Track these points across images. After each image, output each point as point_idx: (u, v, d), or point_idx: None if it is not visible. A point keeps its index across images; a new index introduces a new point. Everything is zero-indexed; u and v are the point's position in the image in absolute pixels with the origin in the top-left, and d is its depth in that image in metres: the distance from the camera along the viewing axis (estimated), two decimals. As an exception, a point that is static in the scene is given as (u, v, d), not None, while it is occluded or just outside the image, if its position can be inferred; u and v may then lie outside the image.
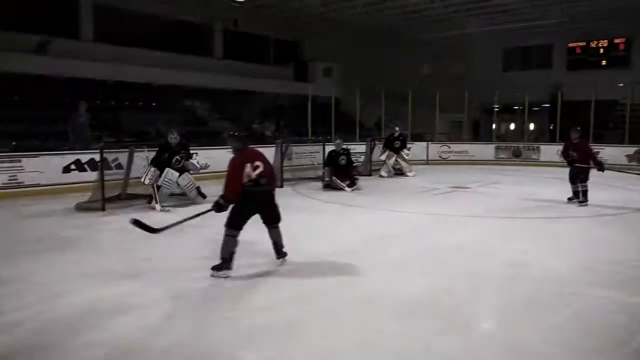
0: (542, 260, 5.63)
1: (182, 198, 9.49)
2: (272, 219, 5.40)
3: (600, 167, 9.53)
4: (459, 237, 6.85)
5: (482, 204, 9.75)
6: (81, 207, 8.66)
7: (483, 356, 3.42)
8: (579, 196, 9.41)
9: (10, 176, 9.96)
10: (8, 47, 14.54)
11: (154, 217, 8.03)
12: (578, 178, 9.38)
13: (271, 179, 5.34)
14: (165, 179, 8.89)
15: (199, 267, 5.31)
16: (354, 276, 5.09)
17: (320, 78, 23.98)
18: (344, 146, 12.06)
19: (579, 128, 9.53)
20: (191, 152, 9.97)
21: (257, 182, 5.10)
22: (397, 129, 14.81)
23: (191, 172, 9.51)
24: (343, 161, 11.60)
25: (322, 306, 4.26)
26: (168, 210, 8.68)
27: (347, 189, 11.15)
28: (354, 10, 20.29)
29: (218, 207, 5.12)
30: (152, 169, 8.86)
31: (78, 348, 3.45)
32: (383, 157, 14.41)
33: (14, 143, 11.85)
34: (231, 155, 5.29)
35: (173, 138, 9.03)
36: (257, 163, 5.15)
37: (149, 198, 8.98)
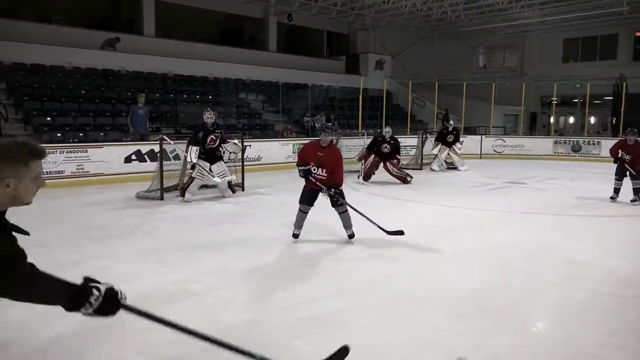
0: (603, 260, 5.45)
1: (208, 191, 9.47)
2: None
3: None
4: (514, 233, 6.73)
5: (538, 200, 9.52)
6: (141, 196, 9.02)
7: (538, 356, 3.36)
8: (618, 193, 9.07)
9: (78, 165, 10.49)
10: (78, 43, 15.34)
11: (217, 207, 8.30)
12: (625, 176, 8.98)
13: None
14: (199, 171, 8.73)
15: (254, 256, 5.47)
16: (405, 271, 5.10)
17: (372, 70, 23.87)
18: (391, 135, 11.80)
19: (636, 130, 9.06)
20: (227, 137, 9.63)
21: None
22: (451, 122, 14.65)
23: (232, 153, 9.38)
24: (386, 149, 11.44)
25: (373, 300, 4.28)
26: (189, 201, 8.71)
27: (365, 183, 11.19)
28: (407, 2, 20.07)
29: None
30: (194, 147, 8.63)
31: (138, 332, 3.58)
32: (435, 151, 14.27)
33: (81, 134, 12.45)
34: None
35: (209, 117, 8.71)
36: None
37: (180, 191, 8.92)
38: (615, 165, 9.18)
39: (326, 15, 22.21)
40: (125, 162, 11.13)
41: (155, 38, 17.99)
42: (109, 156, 10.89)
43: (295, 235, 6.11)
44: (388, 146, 11.44)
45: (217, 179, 8.84)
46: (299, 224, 6.11)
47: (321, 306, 4.11)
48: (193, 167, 8.78)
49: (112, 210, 8.04)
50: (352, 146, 14.19)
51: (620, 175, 9.10)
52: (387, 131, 11.71)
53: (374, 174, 11.64)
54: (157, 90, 16.08)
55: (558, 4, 20.05)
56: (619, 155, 8.99)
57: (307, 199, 6.05)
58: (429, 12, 21.87)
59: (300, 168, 6.05)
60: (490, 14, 22.27)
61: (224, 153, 9.09)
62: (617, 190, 9.16)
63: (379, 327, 3.75)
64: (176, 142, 9.73)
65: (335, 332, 3.65)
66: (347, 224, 6.10)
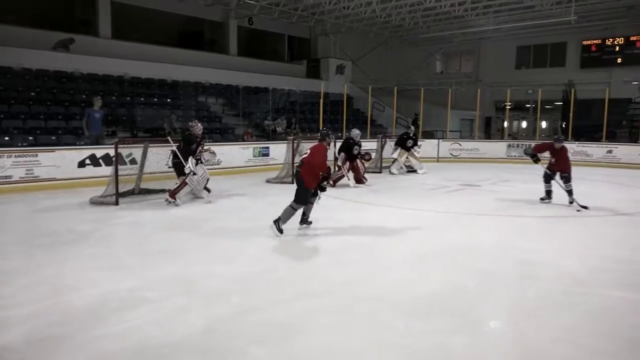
0: (554, 260, 5.63)
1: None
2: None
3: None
4: (470, 235, 6.87)
5: (493, 202, 9.74)
6: (95, 202, 8.78)
7: (493, 355, 3.44)
8: (551, 196, 9.55)
9: (27, 170, 10.12)
10: (28, 44, 14.87)
11: (174, 212, 8.17)
12: (552, 178, 9.44)
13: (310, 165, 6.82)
14: (190, 177, 8.93)
15: (211, 262, 5.42)
16: (364, 273, 5.13)
17: (333, 75, 24.04)
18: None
19: (563, 137, 9.84)
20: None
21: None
22: (412, 127, 14.88)
23: (208, 161, 9.68)
24: (356, 151, 11.67)
25: (332, 303, 4.29)
26: (210, 202, 9.01)
27: (351, 183, 11.24)
28: (366, 8, 20.29)
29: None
30: (193, 160, 8.93)
31: (91, 341, 3.52)
32: (395, 155, 14.46)
33: (30, 138, 12.06)
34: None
35: (199, 130, 9.23)
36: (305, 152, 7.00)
37: (171, 194, 8.86)
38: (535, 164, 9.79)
39: (287, 20, 22.26)
40: (79, 167, 10.81)
41: (111, 40, 17.60)
42: (61, 160, 10.56)
43: (281, 231, 6.52)
44: (359, 148, 11.72)
45: (204, 193, 9.26)
46: (287, 220, 6.60)
47: (279, 310, 4.10)
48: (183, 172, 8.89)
49: (65, 217, 7.80)
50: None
51: (547, 178, 9.49)
52: (357, 134, 11.88)
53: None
54: (113, 93, 15.71)
55: (511, 12, 20.69)
56: (541, 155, 9.64)
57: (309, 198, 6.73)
58: (388, 19, 22.19)
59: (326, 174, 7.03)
60: (447, 22, 22.78)
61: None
62: (549, 193, 9.54)
63: (338, 330, 3.76)
64: (136, 145, 9.57)
65: (293, 336, 3.65)
66: (309, 210, 6.98)
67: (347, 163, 11.64)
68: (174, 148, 9.07)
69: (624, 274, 5.17)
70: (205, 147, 9.47)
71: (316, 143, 7.10)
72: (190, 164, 8.86)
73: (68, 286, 4.59)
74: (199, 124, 9.36)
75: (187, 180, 8.88)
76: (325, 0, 19.22)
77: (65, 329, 3.70)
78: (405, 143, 14.29)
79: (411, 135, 14.46)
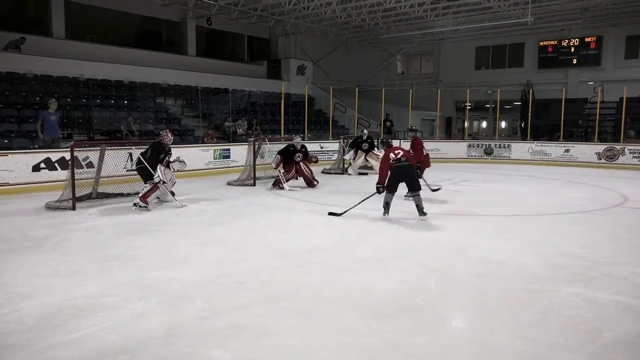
0: (513, 258, 5.73)
1: (124, 199, 9.41)
2: (414, 187, 7.89)
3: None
4: (430, 235, 6.96)
5: (453, 202, 9.89)
6: (51, 207, 8.54)
7: (452, 354, 3.47)
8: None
9: (-22, 175, 9.78)
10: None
11: (132, 217, 8.00)
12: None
13: (409, 158, 8.01)
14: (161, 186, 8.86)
15: (170, 266, 5.33)
16: (326, 275, 5.13)
17: (294, 76, 24.01)
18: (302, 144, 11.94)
19: (414, 127, 11.26)
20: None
21: (399, 160, 7.81)
22: (365, 131, 14.89)
23: (178, 171, 9.50)
24: (299, 158, 11.57)
25: (293, 306, 4.28)
26: (185, 205, 8.92)
27: (286, 187, 11.18)
28: (326, 9, 20.35)
29: (379, 190, 7.96)
30: (162, 167, 8.82)
31: (47, 349, 3.42)
32: (348, 157, 14.55)
33: (-19, 141, 11.65)
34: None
35: (167, 139, 9.14)
36: (398, 151, 8.00)
37: (142, 198, 8.67)
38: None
39: (246, 20, 22.14)
40: (33, 171, 10.49)
41: (65, 40, 17.13)
42: (14, 165, 10.22)
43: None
44: (300, 155, 11.59)
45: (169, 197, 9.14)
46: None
47: (241, 314, 4.06)
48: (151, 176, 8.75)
49: (19, 222, 7.55)
50: (274, 151, 14.17)
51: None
52: (297, 141, 11.74)
53: (296, 178, 11.68)
54: (68, 94, 15.29)
55: (470, 13, 21.08)
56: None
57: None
58: (349, 19, 22.30)
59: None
60: (407, 22, 23.06)
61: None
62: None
63: (299, 332, 3.75)
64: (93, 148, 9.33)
65: (256, 339, 3.62)
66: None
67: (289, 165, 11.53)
68: (138, 154, 8.88)
69: (578, 270, 5.31)
70: (174, 157, 9.31)
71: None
72: (159, 173, 8.72)
73: (22, 294, 4.44)
74: (170, 134, 9.26)
75: (159, 185, 8.76)
76: (285, 1, 19.18)
77: (19, 338, 3.58)
78: (360, 146, 14.33)
79: (365, 138, 14.40)
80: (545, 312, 4.17)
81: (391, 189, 7.97)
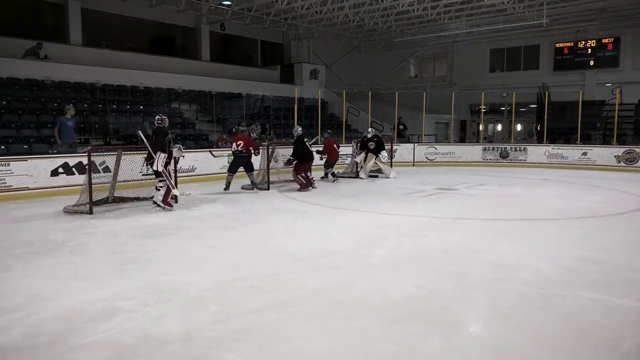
0: (530, 262, 5.67)
1: (141, 204, 9.51)
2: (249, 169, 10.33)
3: None
4: (445, 239, 6.91)
5: (469, 205, 9.85)
6: (69, 211, 8.65)
7: (468, 358, 3.45)
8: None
9: (-1, 180, 9.95)
10: (-2, 52, 14.61)
11: (148, 221, 8.07)
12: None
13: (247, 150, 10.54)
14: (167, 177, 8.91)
15: (186, 269, 5.38)
16: (340, 279, 5.13)
17: (307, 80, 24.07)
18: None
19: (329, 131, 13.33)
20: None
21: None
22: (370, 130, 14.82)
23: (176, 157, 9.55)
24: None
25: (308, 310, 4.28)
26: (189, 194, 9.29)
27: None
28: (339, 13, 20.38)
29: None
30: (161, 154, 8.79)
31: (66, 352, 3.46)
32: (358, 160, 14.53)
33: (2, 147, 11.83)
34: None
35: (167, 122, 9.20)
36: (239, 142, 10.13)
37: (163, 198, 8.89)
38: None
39: (259, 25, 22.24)
40: (52, 176, 10.63)
41: (82, 47, 17.40)
42: (33, 169, 10.37)
43: None
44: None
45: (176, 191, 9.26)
46: None
47: (257, 318, 4.07)
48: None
49: (38, 226, 7.66)
50: (287, 155, 14.23)
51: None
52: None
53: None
54: (85, 100, 15.51)
55: (484, 15, 20.96)
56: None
57: None
58: (361, 23, 22.31)
59: None
60: (420, 25, 22.99)
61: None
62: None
63: (314, 337, 3.76)
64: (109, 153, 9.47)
65: (270, 343, 3.63)
66: None
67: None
68: (148, 146, 8.94)
69: (597, 275, 5.24)
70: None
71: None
72: (157, 160, 8.69)
73: (42, 297, 4.51)
74: (165, 117, 9.31)
75: (167, 182, 8.82)
76: (298, 5, 19.25)
77: (39, 340, 3.63)
78: (367, 145, 14.27)
79: (371, 137, 14.33)
80: (564, 318, 4.10)
81: (232, 170, 11.20)
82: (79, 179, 10.22)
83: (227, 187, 11.32)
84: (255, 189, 11.44)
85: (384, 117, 23.05)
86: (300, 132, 12.11)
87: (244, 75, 21.96)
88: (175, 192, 9.07)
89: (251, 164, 11.54)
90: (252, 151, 11.37)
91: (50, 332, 3.77)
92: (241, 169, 11.42)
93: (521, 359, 3.45)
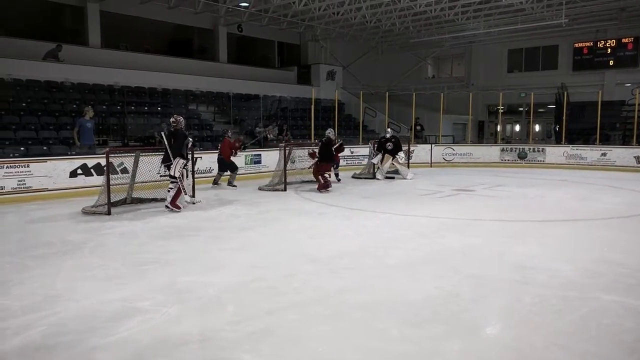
0: (549, 264, 5.62)
1: (159, 204, 9.56)
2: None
3: None
4: (464, 240, 6.85)
5: (487, 206, 9.76)
6: (88, 212, 8.74)
7: (487, 360, 3.42)
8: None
9: (19, 181, 10.07)
10: (18, 54, 14.81)
11: (166, 221, 8.12)
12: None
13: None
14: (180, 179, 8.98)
15: (203, 270, 5.39)
16: (358, 280, 5.11)
17: (324, 81, 24.08)
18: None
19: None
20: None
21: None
22: (389, 130, 14.78)
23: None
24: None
25: (326, 311, 4.27)
26: (200, 201, 9.30)
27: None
28: (356, 14, 20.35)
29: None
30: (180, 160, 8.86)
31: (86, 352, 3.49)
32: (375, 161, 14.47)
33: (22, 148, 11.99)
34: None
35: (183, 122, 9.18)
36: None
37: (172, 200, 8.95)
38: None
39: (277, 26, 22.29)
40: (70, 177, 10.76)
41: (101, 49, 17.57)
42: (53, 171, 10.51)
43: None
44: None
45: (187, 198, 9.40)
46: None
47: (274, 319, 4.07)
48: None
49: (57, 227, 7.75)
50: (304, 156, 14.25)
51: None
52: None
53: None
54: (103, 102, 15.66)
55: (502, 15, 20.77)
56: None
57: None
58: (378, 24, 22.24)
59: None
60: (438, 26, 22.85)
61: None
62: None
63: (332, 338, 3.74)
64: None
65: (288, 345, 3.63)
66: None
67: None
68: (167, 148, 8.97)
69: (616, 277, 5.17)
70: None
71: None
72: (175, 166, 8.75)
73: (61, 297, 4.55)
74: (182, 118, 9.30)
75: (180, 185, 8.89)
76: (315, 7, 19.25)
77: (60, 340, 3.67)
78: (384, 146, 14.20)
79: (388, 137, 14.26)
80: (584, 320, 4.06)
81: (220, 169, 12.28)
82: (98, 180, 10.33)
83: (214, 183, 12.55)
84: (229, 185, 12.30)
85: (401, 118, 22.96)
86: (332, 135, 12.21)
87: (261, 77, 22.02)
88: (186, 198, 9.10)
89: (225, 164, 12.35)
90: (230, 153, 12.21)
91: (69, 332, 3.80)
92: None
93: (540, 362, 3.41)
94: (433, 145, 19.59)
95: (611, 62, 22.58)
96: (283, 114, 20.71)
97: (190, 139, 9.16)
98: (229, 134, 12.89)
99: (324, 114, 21.43)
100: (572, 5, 18.78)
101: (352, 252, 6.19)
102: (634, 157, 16.97)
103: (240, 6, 19.29)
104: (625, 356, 3.48)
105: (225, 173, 12.50)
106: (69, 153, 11.94)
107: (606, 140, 19.25)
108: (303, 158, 13.36)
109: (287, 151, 12.33)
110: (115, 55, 17.79)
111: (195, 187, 10.19)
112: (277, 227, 7.85)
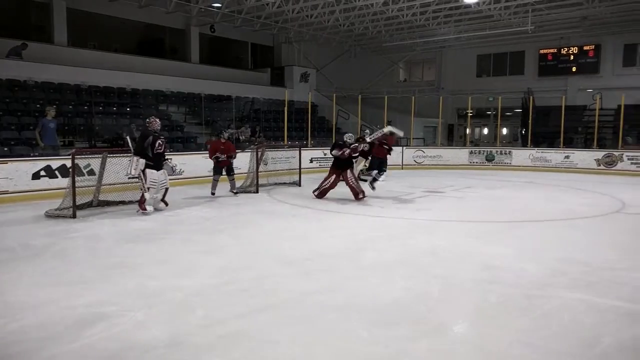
0: (515, 263, 5.73)
1: (125, 207, 9.41)
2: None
3: None
4: (433, 241, 6.91)
5: (455, 208, 9.87)
6: (51, 215, 8.49)
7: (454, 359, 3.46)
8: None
9: (-22, 183, 9.75)
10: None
11: (133, 224, 7.96)
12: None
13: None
14: (150, 180, 8.73)
15: (172, 274, 5.29)
16: (329, 283, 5.09)
17: (297, 83, 24.06)
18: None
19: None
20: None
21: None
22: (367, 131, 14.83)
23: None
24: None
25: (296, 313, 4.24)
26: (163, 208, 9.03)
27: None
28: (329, 17, 20.39)
29: None
30: (138, 159, 8.62)
31: (48, 359, 3.38)
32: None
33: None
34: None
35: (156, 124, 8.96)
36: None
37: (140, 205, 8.81)
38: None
39: (250, 28, 22.17)
40: (33, 179, 10.43)
41: (67, 47, 17.17)
42: (14, 172, 10.17)
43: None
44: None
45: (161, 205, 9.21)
46: None
47: (245, 322, 4.02)
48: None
49: (19, 231, 7.50)
50: (277, 158, 14.18)
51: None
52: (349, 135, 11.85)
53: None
54: (69, 102, 15.26)
55: (471, 21, 21.13)
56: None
57: None
58: (351, 27, 22.35)
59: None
60: (409, 30, 23.10)
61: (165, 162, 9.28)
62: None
63: (303, 340, 3.72)
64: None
65: (259, 347, 3.59)
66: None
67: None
68: (132, 149, 8.83)
69: (579, 275, 5.31)
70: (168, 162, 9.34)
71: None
72: (134, 164, 8.56)
73: (23, 304, 4.40)
74: (158, 120, 9.12)
75: (148, 185, 8.70)
76: (289, 9, 19.21)
77: (20, 348, 3.54)
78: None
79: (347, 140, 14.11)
80: (547, 318, 4.16)
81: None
82: (62, 182, 10.01)
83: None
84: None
85: (373, 121, 23.06)
86: (349, 140, 11.23)
87: (233, 78, 21.85)
88: (146, 195, 8.80)
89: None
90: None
91: (29, 340, 3.67)
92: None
93: (506, 359, 3.48)
94: (404, 147, 19.74)
95: (574, 69, 23.22)
96: (256, 115, 20.60)
97: (151, 139, 8.77)
98: (225, 135, 12.49)
99: (297, 116, 21.39)
100: (537, 13, 19.21)
101: (324, 254, 6.17)
102: (594, 159, 17.56)
103: (213, 7, 19.12)
104: (585, 351, 3.57)
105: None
106: (32, 154, 11.61)
107: (570, 144, 19.80)
108: (276, 160, 13.28)
109: (259, 153, 12.24)
110: (83, 54, 17.41)
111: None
112: (249, 229, 7.77)
